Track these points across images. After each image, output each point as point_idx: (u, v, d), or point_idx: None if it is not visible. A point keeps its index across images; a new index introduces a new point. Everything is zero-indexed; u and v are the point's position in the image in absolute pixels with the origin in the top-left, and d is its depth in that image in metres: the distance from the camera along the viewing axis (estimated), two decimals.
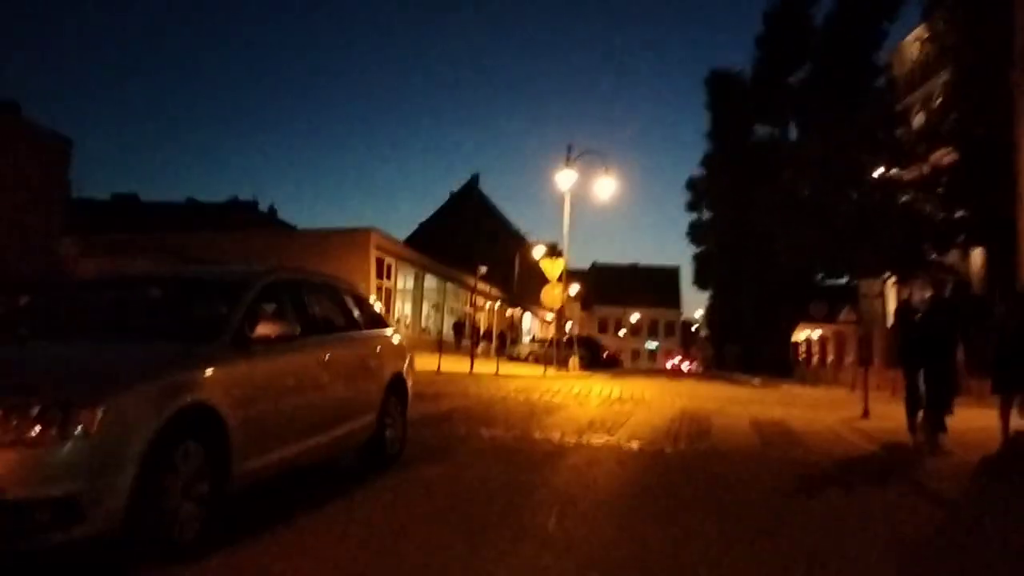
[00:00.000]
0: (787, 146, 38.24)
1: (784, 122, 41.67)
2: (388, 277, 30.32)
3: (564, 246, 25.94)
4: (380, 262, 29.15)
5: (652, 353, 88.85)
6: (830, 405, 15.06)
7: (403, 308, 31.80)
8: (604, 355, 45.10)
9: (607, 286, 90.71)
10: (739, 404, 14.30)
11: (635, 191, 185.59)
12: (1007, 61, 18.62)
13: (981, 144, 21.14)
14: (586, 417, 10.07)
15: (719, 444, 8.12)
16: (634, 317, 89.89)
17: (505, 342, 43.71)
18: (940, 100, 25.28)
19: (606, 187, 24.54)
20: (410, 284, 33.66)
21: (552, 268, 26.78)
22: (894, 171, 25.17)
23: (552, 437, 7.91)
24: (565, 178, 24.58)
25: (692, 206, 50.77)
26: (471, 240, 50.64)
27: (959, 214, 24.18)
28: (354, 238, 27.81)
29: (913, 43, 34.67)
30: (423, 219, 61.86)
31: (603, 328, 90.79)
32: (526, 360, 32.69)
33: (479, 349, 37.44)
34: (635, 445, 7.62)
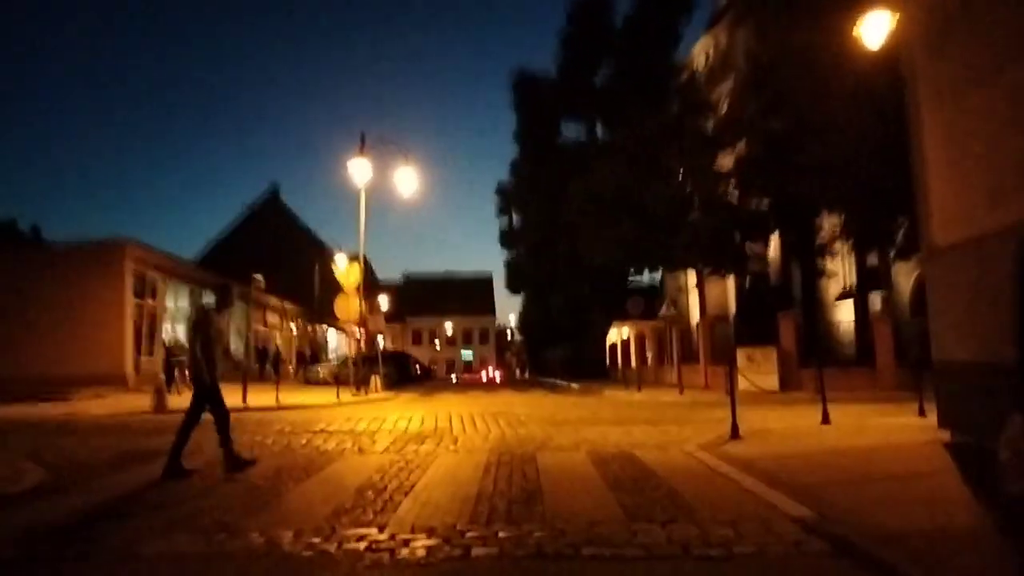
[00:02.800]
0: (595, 144, 37.85)
1: (591, 120, 41.57)
2: (153, 296, 25.78)
3: (360, 248, 22.28)
4: (141, 278, 24.85)
5: (468, 364, 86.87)
6: (674, 418, 12.80)
7: (175, 332, 26.92)
8: (416, 370, 42.03)
9: (421, 297, 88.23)
10: (567, 425, 11.60)
11: (447, 200, 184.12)
12: (791, 64, 19.48)
13: (775, 137, 21.59)
14: (358, 478, 6.71)
15: (559, 521, 4.95)
16: (448, 327, 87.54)
17: (305, 363, 39.32)
18: (728, 101, 26.18)
19: (407, 180, 21.17)
20: (184, 303, 28.56)
21: (347, 276, 23.14)
22: (700, 162, 24.97)
23: (281, 539, 4.49)
24: (358, 168, 21.02)
25: (503, 211, 50.91)
26: (272, 255, 46.21)
27: (763, 202, 24.66)
28: (105, 252, 23.64)
29: (704, 46, 35.93)
30: (218, 237, 55.52)
31: (418, 340, 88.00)
32: (324, 383, 28.58)
33: (268, 372, 32.77)
34: (421, 546, 4.37)
